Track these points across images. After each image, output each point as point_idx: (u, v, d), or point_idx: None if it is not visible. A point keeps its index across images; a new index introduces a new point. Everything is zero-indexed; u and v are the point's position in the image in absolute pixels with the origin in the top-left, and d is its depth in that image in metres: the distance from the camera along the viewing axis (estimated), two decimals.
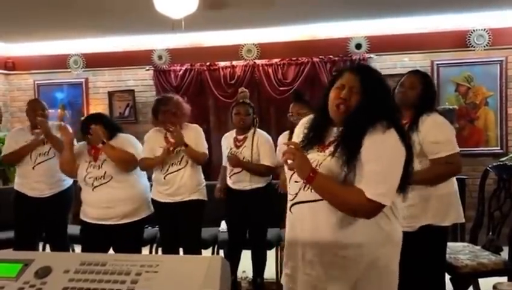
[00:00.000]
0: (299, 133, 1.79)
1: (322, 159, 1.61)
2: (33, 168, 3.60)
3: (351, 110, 1.61)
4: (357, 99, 1.60)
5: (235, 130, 3.63)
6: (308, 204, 1.63)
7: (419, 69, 2.79)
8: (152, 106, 3.45)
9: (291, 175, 1.67)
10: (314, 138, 1.69)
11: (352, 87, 1.62)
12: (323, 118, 1.69)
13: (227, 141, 3.63)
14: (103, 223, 3.11)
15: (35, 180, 3.61)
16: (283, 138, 3.40)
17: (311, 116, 1.80)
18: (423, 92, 2.56)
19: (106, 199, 3.08)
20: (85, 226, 3.23)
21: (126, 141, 3.24)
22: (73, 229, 3.78)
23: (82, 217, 3.22)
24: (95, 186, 3.10)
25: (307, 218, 1.64)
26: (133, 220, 3.14)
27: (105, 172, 3.09)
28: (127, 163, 3.12)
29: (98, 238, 3.10)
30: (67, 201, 3.77)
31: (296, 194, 1.66)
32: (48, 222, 3.69)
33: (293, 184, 1.68)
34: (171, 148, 3.21)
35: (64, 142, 3.22)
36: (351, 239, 1.59)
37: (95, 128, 3.06)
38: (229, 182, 3.59)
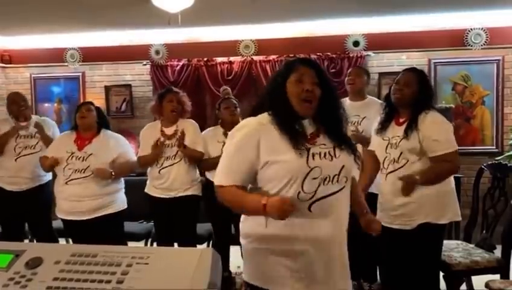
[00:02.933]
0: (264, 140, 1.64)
1: (326, 150, 1.66)
2: (15, 160, 3.58)
3: (316, 102, 1.68)
4: (319, 91, 1.68)
5: (219, 126, 3.60)
6: (333, 197, 1.63)
7: (415, 67, 2.78)
8: (149, 100, 3.47)
9: (308, 173, 1.60)
10: (299, 134, 1.65)
11: (312, 80, 1.67)
12: (291, 113, 1.67)
13: (216, 135, 3.53)
14: (71, 218, 3.09)
15: (14, 173, 3.58)
16: None
17: (254, 123, 1.69)
18: (419, 89, 2.55)
19: (78, 193, 3.06)
20: (65, 223, 3.22)
21: (124, 143, 3.27)
22: (60, 223, 3.76)
23: (56, 212, 3.20)
24: (71, 179, 3.07)
25: (329, 213, 1.63)
26: (106, 213, 3.11)
27: (88, 166, 3.06)
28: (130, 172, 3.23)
29: (80, 233, 3.10)
30: (46, 195, 3.71)
31: (315, 191, 1.61)
32: (29, 216, 3.67)
33: (310, 182, 1.60)
34: (161, 141, 3.21)
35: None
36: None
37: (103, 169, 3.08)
38: (210, 175, 3.48)
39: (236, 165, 1.66)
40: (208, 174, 3.52)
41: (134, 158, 3.28)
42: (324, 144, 1.67)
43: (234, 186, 1.65)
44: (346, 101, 3.51)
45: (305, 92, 1.65)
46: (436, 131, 2.48)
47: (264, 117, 1.69)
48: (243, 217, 1.77)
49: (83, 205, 3.06)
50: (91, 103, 3.36)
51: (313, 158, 1.62)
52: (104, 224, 3.09)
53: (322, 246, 1.63)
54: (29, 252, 1.04)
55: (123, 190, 3.30)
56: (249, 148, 1.64)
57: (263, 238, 1.66)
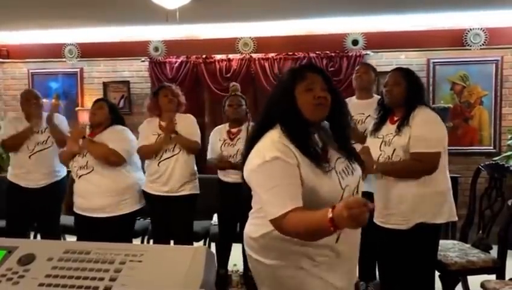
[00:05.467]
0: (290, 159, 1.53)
1: (345, 163, 1.66)
2: (29, 157, 3.57)
3: (328, 107, 1.63)
4: (329, 96, 1.63)
5: (227, 124, 3.62)
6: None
7: (401, 66, 2.79)
8: (146, 97, 3.47)
9: (342, 195, 1.58)
10: (320, 152, 1.60)
11: (322, 86, 1.62)
12: (303, 124, 1.60)
13: (220, 133, 3.59)
14: (84, 214, 3.10)
15: (30, 170, 3.58)
16: None
17: (281, 143, 1.55)
18: (408, 87, 2.54)
19: (85, 190, 3.07)
20: (76, 217, 3.23)
21: (118, 133, 3.20)
22: (67, 220, 3.76)
23: (74, 208, 3.22)
24: (79, 176, 3.11)
25: None
26: (114, 215, 3.06)
27: (87, 162, 3.08)
28: (107, 158, 3.06)
29: (87, 230, 3.09)
30: (60, 192, 3.75)
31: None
32: (41, 212, 3.67)
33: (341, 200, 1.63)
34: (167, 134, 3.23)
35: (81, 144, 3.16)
36: None
37: (75, 127, 3.15)
38: (221, 175, 3.57)
39: (289, 189, 1.49)
40: (221, 174, 3.56)
41: (121, 148, 3.11)
42: (339, 157, 1.65)
43: (297, 208, 1.45)
44: (352, 100, 3.50)
45: (317, 99, 1.59)
46: (422, 128, 2.45)
47: (282, 139, 1.56)
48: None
49: (92, 203, 3.05)
50: (104, 100, 3.38)
51: (342, 177, 1.60)
52: (114, 224, 3.04)
53: (347, 252, 1.65)
54: (21, 249, 1.04)
55: (136, 188, 3.20)
56: (293, 169, 1.52)
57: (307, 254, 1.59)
